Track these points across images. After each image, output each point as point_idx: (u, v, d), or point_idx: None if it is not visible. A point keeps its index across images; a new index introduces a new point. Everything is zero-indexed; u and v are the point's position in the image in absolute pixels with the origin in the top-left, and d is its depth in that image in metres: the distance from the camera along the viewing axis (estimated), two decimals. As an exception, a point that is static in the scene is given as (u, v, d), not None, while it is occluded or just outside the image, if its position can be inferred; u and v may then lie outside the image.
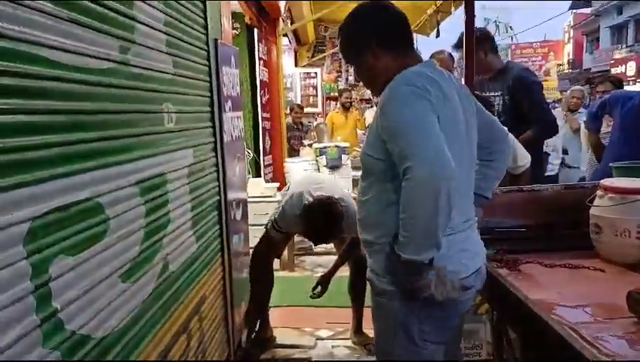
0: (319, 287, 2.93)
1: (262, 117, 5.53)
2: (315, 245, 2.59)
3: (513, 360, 1.90)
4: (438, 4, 6.51)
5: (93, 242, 1.16)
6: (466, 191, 1.44)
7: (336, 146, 5.48)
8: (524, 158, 2.54)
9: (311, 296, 2.93)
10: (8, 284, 0.88)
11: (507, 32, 33.49)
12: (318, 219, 2.42)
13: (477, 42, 2.69)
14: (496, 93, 2.92)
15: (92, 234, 1.16)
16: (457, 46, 2.99)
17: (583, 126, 4.19)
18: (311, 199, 2.53)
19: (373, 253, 1.40)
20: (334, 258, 3.07)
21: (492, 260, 1.71)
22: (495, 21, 33.19)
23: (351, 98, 7.43)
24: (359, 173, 1.51)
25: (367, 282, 1.46)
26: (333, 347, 3.02)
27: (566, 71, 30.27)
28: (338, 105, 7.53)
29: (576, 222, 1.84)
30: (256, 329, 2.95)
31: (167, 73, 1.68)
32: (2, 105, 0.88)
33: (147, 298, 1.46)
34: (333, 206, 2.44)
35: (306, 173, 3.39)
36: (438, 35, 7.16)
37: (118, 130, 1.31)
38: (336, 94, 11.00)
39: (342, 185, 4.84)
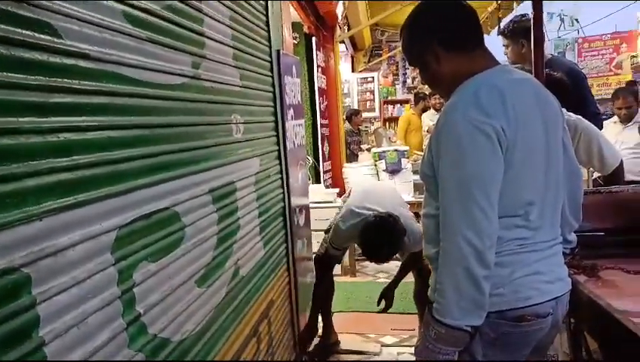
0: (383, 301, 2.84)
1: (320, 123, 5.59)
2: (375, 263, 2.53)
3: (593, 372, 1.80)
4: (500, 2, 6.31)
5: (172, 249, 1.23)
6: (552, 211, 1.31)
7: (396, 150, 5.39)
8: (614, 157, 2.34)
9: (378, 312, 2.86)
10: (99, 290, 0.94)
11: (572, 25, 31.94)
12: (380, 237, 2.35)
13: (522, 32, 2.58)
14: None
15: (171, 241, 1.22)
16: (502, 34, 2.88)
17: None
18: (366, 213, 2.48)
19: (434, 270, 1.29)
20: (396, 263, 3.03)
21: (569, 266, 1.62)
22: (560, 15, 31.77)
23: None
24: (419, 177, 1.42)
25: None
26: (398, 354, 2.98)
27: (641, 62, 28.37)
28: (412, 106, 7.30)
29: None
30: (321, 334, 2.97)
31: (235, 85, 1.74)
32: (94, 122, 0.95)
33: (220, 302, 1.51)
34: (394, 223, 2.36)
35: (366, 185, 3.27)
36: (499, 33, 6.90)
37: (192, 142, 1.38)
38: (395, 98, 10.92)
39: (402, 190, 4.79)
